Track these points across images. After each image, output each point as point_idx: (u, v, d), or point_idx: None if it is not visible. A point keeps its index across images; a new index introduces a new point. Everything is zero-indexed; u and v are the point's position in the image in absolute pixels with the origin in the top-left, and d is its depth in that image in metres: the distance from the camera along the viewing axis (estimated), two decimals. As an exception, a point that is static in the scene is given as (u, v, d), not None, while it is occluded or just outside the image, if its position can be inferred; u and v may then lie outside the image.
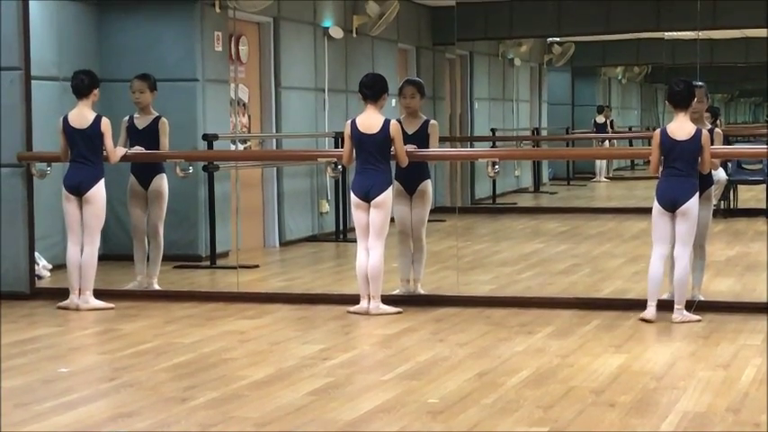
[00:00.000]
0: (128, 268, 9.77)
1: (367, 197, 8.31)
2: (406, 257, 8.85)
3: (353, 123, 8.39)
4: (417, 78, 9.22)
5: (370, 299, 8.31)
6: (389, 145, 8.34)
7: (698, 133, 7.87)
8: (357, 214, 8.40)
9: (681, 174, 7.86)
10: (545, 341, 7.30)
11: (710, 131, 8.17)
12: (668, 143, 7.90)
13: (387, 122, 8.32)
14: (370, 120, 8.34)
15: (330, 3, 13.18)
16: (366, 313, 8.27)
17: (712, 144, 8.04)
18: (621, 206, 15.46)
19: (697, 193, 7.88)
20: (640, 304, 8.27)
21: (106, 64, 10.87)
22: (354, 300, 8.54)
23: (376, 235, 8.30)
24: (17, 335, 7.68)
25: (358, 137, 8.35)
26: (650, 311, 7.90)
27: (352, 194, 8.40)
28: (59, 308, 8.62)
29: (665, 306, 8.06)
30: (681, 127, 7.90)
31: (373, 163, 8.30)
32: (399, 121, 8.61)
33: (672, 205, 7.87)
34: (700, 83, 8.48)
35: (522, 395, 5.85)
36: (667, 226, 7.96)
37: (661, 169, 7.97)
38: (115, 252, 10.55)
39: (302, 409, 5.60)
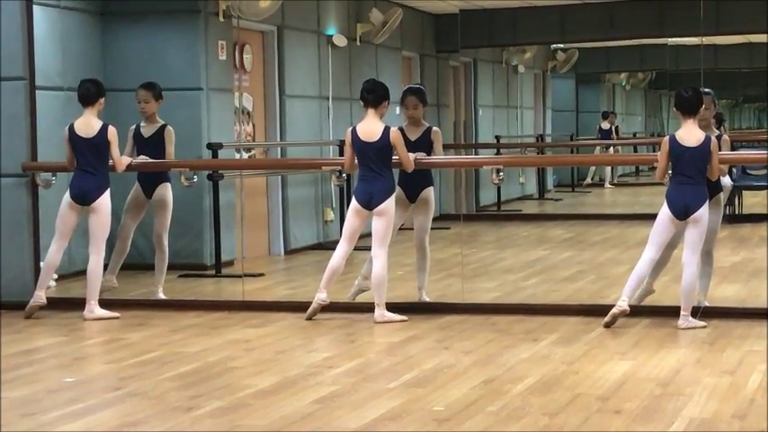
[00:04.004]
0: (133, 277, 9.80)
1: (369, 205, 8.31)
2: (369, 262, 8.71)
3: (354, 131, 8.40)
4: (419, 86, 9.20)
5: (326, 293, 8.34)
6: (390, 152, 8.34)
7: (707, 140, 7.87)
8: (351, 219, 8.40)
9: (691, 181, 7.86)
10: (550, 348, 7.30)
11: (718, 138, 8.17)
12: (678, 150, 7.89)
13: (386, 130, 8.32)
14: (370, 127, 8.34)
15: (333, 11, 13.20)
16: (324, 306, 8.33)
17: (720, 151, 8.04)
18: (626, 212, 15.46)
19: (708, 201, 7.88)
20: (646, 311, 8.28)
21: (110, 73, 10.88)
22: (359, 308, 8.54)
23: (379, 243, 8.29)
24: (23, 344, 7.69)
25: (358, 145, 8.36)
26: (624, 305, 7.91)
27: (353, 199, 8.41)
28: (26, 317, 8.60)
29: (670, 312, 8.06)
30: (690, 133, 7.89)
31: (375, 170, 8.31)
32: (402, 129, 8.61)
33: (684, 213, 7.86)
34: (707, 89, 8.47)
35: (527, 402, 5.84)
36: (671, 234, 7.96)
37: (669, 176, 7.98)
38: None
39: (307, 418, 5.60)
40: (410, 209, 8.80)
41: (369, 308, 8.39)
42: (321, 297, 8.38)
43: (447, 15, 15.14)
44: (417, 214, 8.79)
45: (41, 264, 8.98)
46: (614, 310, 7.93)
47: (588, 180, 17.85)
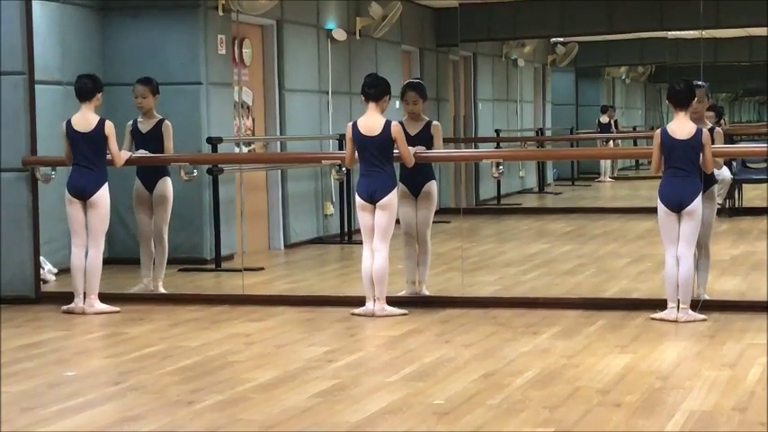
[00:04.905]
0: (133, 272, 9.77)
1: (372, 199, 8.31)
2: (411, 260, 8.86)
3: (355, 125, 8.40)
4: (419, 81, 9.20)
5: (375, 301, 8.32)
6: (391, 146, 8.34)
7: (698, 132, 7.87)
8: (362, 216, 8.41)
9: (684, 174, 7.86)
10: (550, 342, 7.30)
11: (711, 131, 8.17)
12: (669, 142, 7.89)
13: (388, 124, 8.32)
14: (371, 121, 8.34)
15: (333, 5, 13.19)
16: (372, 315, 8.28)
17: (713, 143, 8.04)
18: (626, 206, 15.45)
19: (701, 193, 7.88)
20: (646, 304, 8.28)
21: (110, 68, 10.88)
22: (360, 302, 8.54)
23: (381, 237, 8.30)
24: (23, 339, 7.69)
25: (359, 139, 8.36)
26: (674, 312, 7.88)
27: (356, 196, 8.41)
28: (65, 311, 8.63)
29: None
30: (681, 126, 7.90)
31: (377, 165, 8.31)
32: (402, 123, 8.61)
33: (678, 206, 7.86)
34: (700, 82, 8.47)
35: (527, 396, 5.85)
36: (675, 226, 7.94)
37: (663, 169, 7.97)
38: (120, 256, 10.56)
39: (308, 412, 5.60)
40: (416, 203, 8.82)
41: (369, 302, 8.39)
42: (370, 308, 8.31)
43: (447, 9, 15.10)
44: (419, 208, 8.80)
45: (40, 258, 8.98)
46: (664, 316, 7.88)
47: (602, 178, 17.79)
